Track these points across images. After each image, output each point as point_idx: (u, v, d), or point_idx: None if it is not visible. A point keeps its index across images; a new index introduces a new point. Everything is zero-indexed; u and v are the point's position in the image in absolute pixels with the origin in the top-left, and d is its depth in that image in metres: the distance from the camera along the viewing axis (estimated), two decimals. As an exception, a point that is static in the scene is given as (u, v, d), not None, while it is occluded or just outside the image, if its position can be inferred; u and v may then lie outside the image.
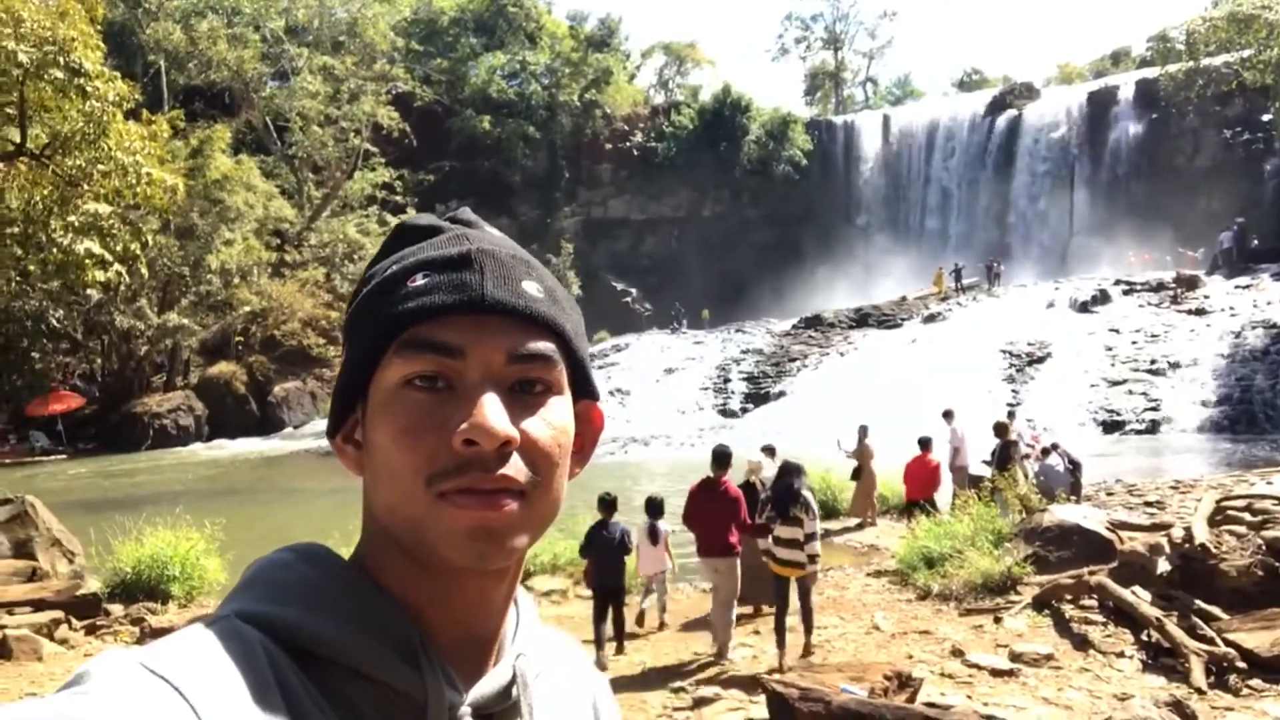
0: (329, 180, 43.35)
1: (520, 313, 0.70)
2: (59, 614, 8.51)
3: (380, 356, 0.69)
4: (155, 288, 33.20)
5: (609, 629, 7.73)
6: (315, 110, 42.05)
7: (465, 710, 0.69)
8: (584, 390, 0.77)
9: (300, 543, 0.74)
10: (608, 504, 7.94)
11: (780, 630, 7.18)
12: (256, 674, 0.60)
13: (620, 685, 6.94)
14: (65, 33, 9.15)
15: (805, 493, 7.28)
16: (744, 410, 30.26)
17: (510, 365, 0.69)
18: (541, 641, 0.82)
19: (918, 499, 11.96)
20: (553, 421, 0.71)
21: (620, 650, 7.76)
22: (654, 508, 8.48)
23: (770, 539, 7.36)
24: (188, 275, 33.10)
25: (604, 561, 7.68)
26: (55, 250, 9.11)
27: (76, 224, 9.28)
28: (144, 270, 12.68)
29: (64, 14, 9.59)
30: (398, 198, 43.58)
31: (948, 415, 13.73)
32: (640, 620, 8.74)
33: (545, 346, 0.71)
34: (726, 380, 32.79)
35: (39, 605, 8.68)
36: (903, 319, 35.36)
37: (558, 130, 52.52)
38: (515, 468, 0.67)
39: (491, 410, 0.66)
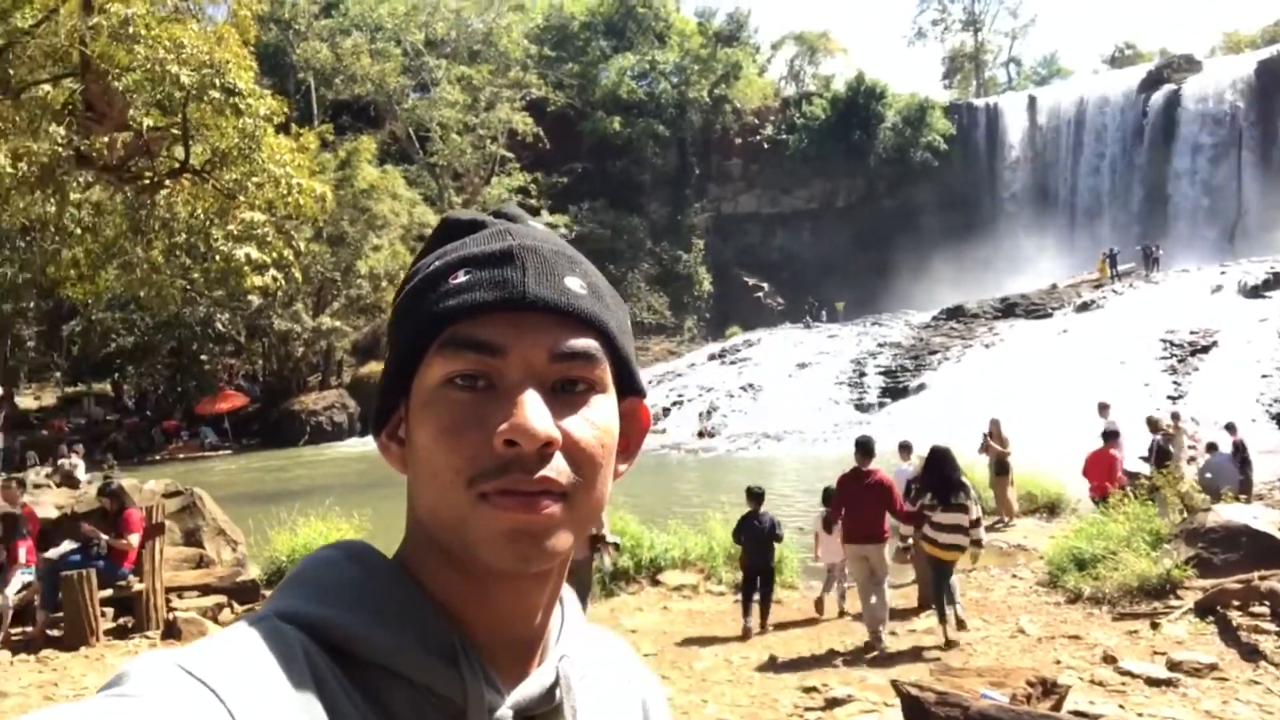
0: (468, 186, 44.82)
1: (562, 310, 0.68)
2: (223, 598, 9.11)
3: (422, 355, 0.68)
4: (310, 293, 35.15)
5: (755, 610, 8.23)
6: (454, 119, 43.54)
7: (506, 713, 0.68)
8: (629, 387, 0.75)
9: (346, 540, 0.74)
10: (757, 496, 8.41)
11: (941, 609, 7.57)
12: (295, 676, 0.59)
13: (750, 681, 6.87)
14: (221, 55, 9.80)
15: (965, 479, 7.63)
16: (880, 405, 29.50)
17: (552, 364, 0.67)
18: (588, 642, 0.80)
19: (1104, 494, 11.08)
20: (596, 421, 0.69)
21: (764, 627, 8.14)
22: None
23: (929, 526, 7.56)
24: (339, 280, 34.89)
25: (755, 548, 8.22)
26: (216, 257, 9.81)
27: (235, 232, 9.96)
28: (298, 275, 13.42)
29: (220, 38, 10.27)
30: (532, 201, 44.62)
31: (1102, 409, 12.97)
32: (819, 607, 8.79)
33: (588, 344, 0.69)
34: (862, 374, 32.05)
35: (205, 590, 9.32)
36: (1053, 308, 33.72)
37: (687, 127, 52.56)
38: (557, 469, 0.65)
39: (533, 410, 0.64)
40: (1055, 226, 49.26)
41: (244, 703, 0.55)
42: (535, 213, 43.31)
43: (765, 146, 54.03)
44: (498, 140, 44.84)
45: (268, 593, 9.76)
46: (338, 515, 10.43)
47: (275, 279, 10.67)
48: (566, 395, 0.68)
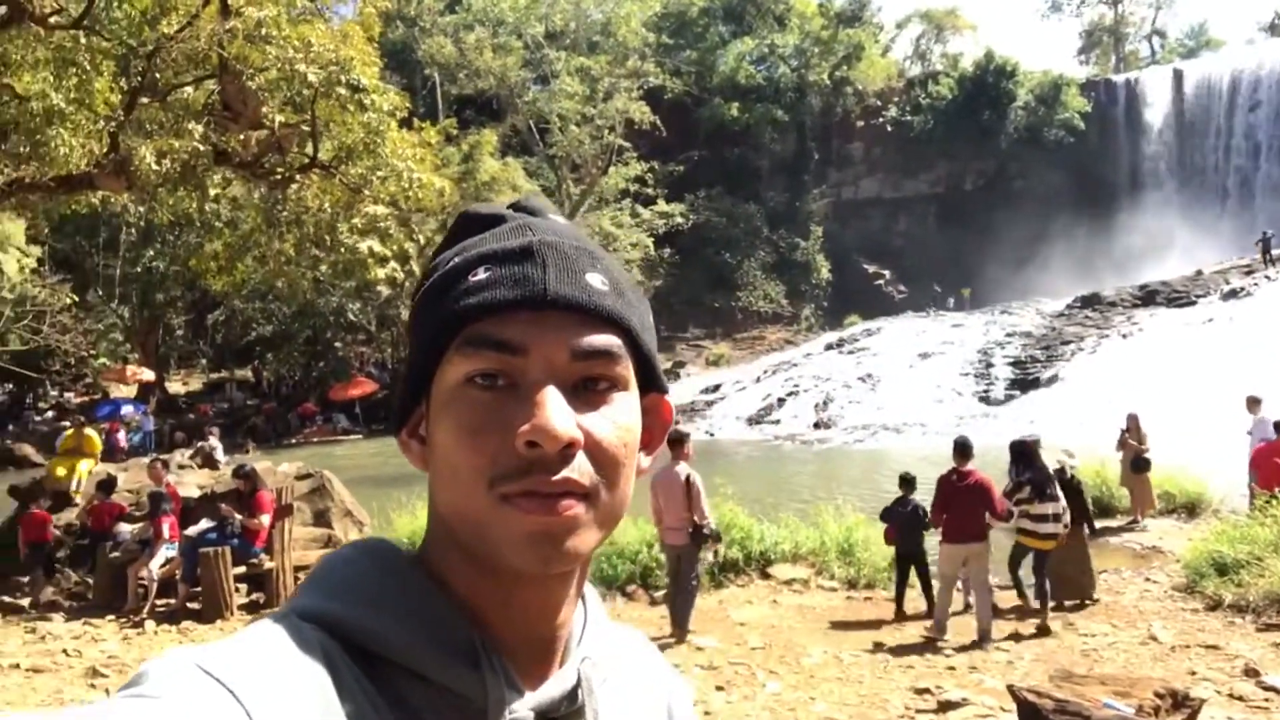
0: (586, 177, 45.27)
1: (584, 307, 0.67)
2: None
3: (442, 353, 0.68)
4: (435, 284, 36.26)
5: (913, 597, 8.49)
6: (573, 111, 44.02)
7: (527, 714, 0.67)
8: (651, 383, 0.74)
9: (368, 538, 0.74)
10: (908, 481, 8.75)
11: (1043, 594, 7.98)
12: (314, 675, 0.59)
13: (861, 680, 6.72)
14: (346, 53, 10.17)
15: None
16: (1008, 397, 28.32)
17: (574, 362, 0.66)
18: (612, 642, 0.79)
19: (1270, 488, 10.34)
20: (618, 420, 0.68)
21: (930, 610, 8.17)
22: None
23: (1028, 518, 8.06)
24: (464, 271, 35.84)
25: (905, 534, 8.48)
26: (343, 250, 10.23)
27: (359, 226, 10.36)
28: (416, 268, 13.82)
29: (346, 36, 10.65)
30: (649, 190, 44.72)
31: (1252, 404, 12.10)
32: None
33: (610, 342, 0.68)
34: (989, 365, 30.87)
35: (331, 568, 9.73)
36: (1197, 295, 31.66)
37: (806, 111, 51.65)
38: (579, 469, 0.64)
39: (554, 411, 0.63)
40: (1201, 209, 46.25)
41: (262, 703, 0.55)
42: (651, 201, 43.83)
43: (888, 129, 52.63)
44: (615, 130, 45.06)
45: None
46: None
47: (394, 270, 11.03)
48: (588, 393, 0.67)
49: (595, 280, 0.68)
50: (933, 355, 32.92)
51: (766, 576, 9.88)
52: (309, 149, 11.51)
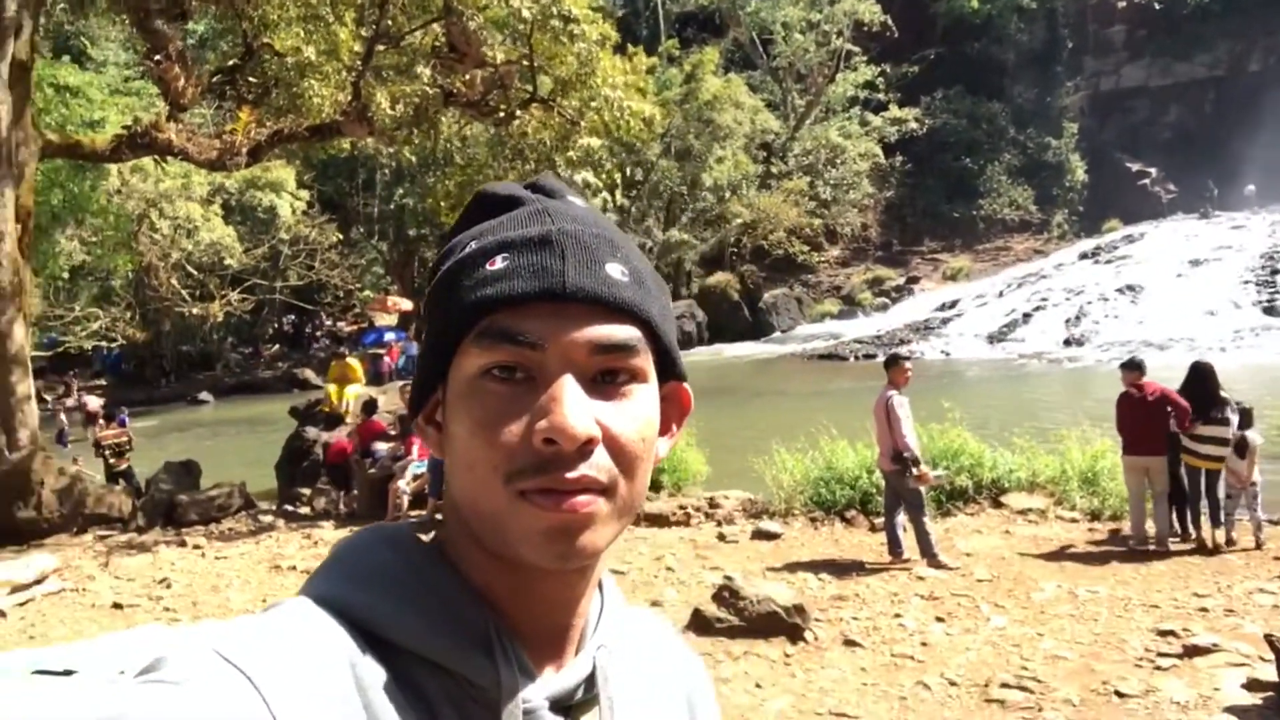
0: (811, 87, 43.71)
1: (603, 300, 0.65)
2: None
3: (459, 342, 0.67)
4: (660, 207, 36.68)
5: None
6: (797, 18, 42.42)
7: (542, 703, 0.66)
8: (670, 371, 0.73)
9: (385, 525, 0.74)
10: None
11: (1196, 516, 8.03)
12: (330, 663, 0.60)
13: (1096, 618, 6.28)
14: (558, -18, 10.31)
15: (1223, 394, 8.03)
16: (1298, 307, 25.01)
17: (592, 356, 0.65)
18: (629, 629, 0.79)
19: None
20: (637, 414, 0.66)
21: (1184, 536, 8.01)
22: (1245, 417, 8.07)
23: (1189, 438, 7.95)
24: (686, 194, 35.98)
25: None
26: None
27: (574, 158, 10.61)
28: (619, 199, 14.00)
29: (557, -36, 10.75)
30: (880, 95, 42.56)
31: None
32: (1228, 539, 7.85)
33: (629, 335, 0.66)
34: (1274, 272, 27.29)
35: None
36: None
37: (1058, -4, 46.82)
38: (597, 465, 0.63)
39: (572, 408, 0.62)
40: None
41: (278, 689, 0.56)
42: (883, 107, 41.69)
43: (1155, 7, 46.64)
44: (843, 34, 42.98)
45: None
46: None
47: (605, 201, 11.23)
48: (607, 386, 0.66)
49: (615, 271, 0.67)
50: (1206, 262, 29.60)
51: (999, 505, 9.40)
52: (529, 85, 11.85)
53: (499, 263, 0.66)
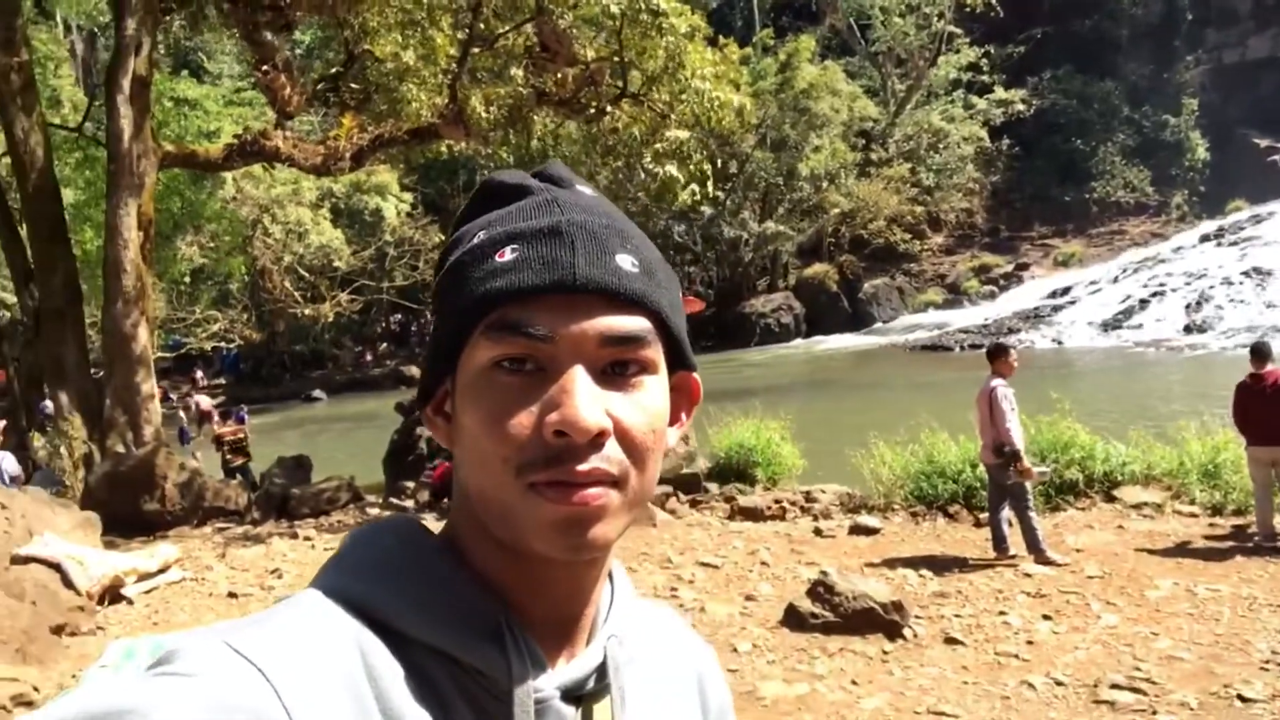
0: (912, 71, 42.61)
1: (613, 292, 0.65)
2: (668, 489, 10.01)
3: (468, 334, 0.66)
4: (756, 199, 36.36)
5: None
6: (896, 1, 41.42)
7: (552, 693, 0.67)
8: (680, 361, 0.72)
9: (395, 516, 0.74)
10: None
11: None
12: (341, 655, 0.60)
13: (1218, 617, 5.94)
14: (646, -23, 10.30)
15: None
16: None
17: (603, 347, 0.65)
18: (639, 619, 0.79)
19: None
20: (647, 406, 0.66)
21: None
22: None
23: None
24: (782, 184, 35.57)
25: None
26: (646, 176, 10.58)
27: (662, 151, 10.61)
28: (711, 191, 13.92)
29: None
30: (984, 77, 41.17)
31: None
32: None
33: (640, 327, 0.66)
34: None
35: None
36: None
37: (1176, -36, 44.43)
38: (608, 458, 0.63)
39: (583, 400, 0.62)
40: None
41: (290, 682, 0.56)
42: (988, 89, 40.30)
43: (1285, -28, 43.83)
44: (944, 16, 41.74)
45: (710, 485, 10.59)
46: (763, 414, 10.87)
47: (692, 193, 11.21)
48: (617, 378, 0.66)
49: (625, 262, 0.66)
50: (1342, 242, 27.62)
51: (1111, 500, 8.98)
52: (619, 81, 11.89)
53: (508, 254, 0.65)
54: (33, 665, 5.32)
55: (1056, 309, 31.68)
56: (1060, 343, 27.43)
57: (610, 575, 0.76)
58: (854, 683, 5.20)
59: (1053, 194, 42.57)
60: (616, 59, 11.62)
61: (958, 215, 41.94)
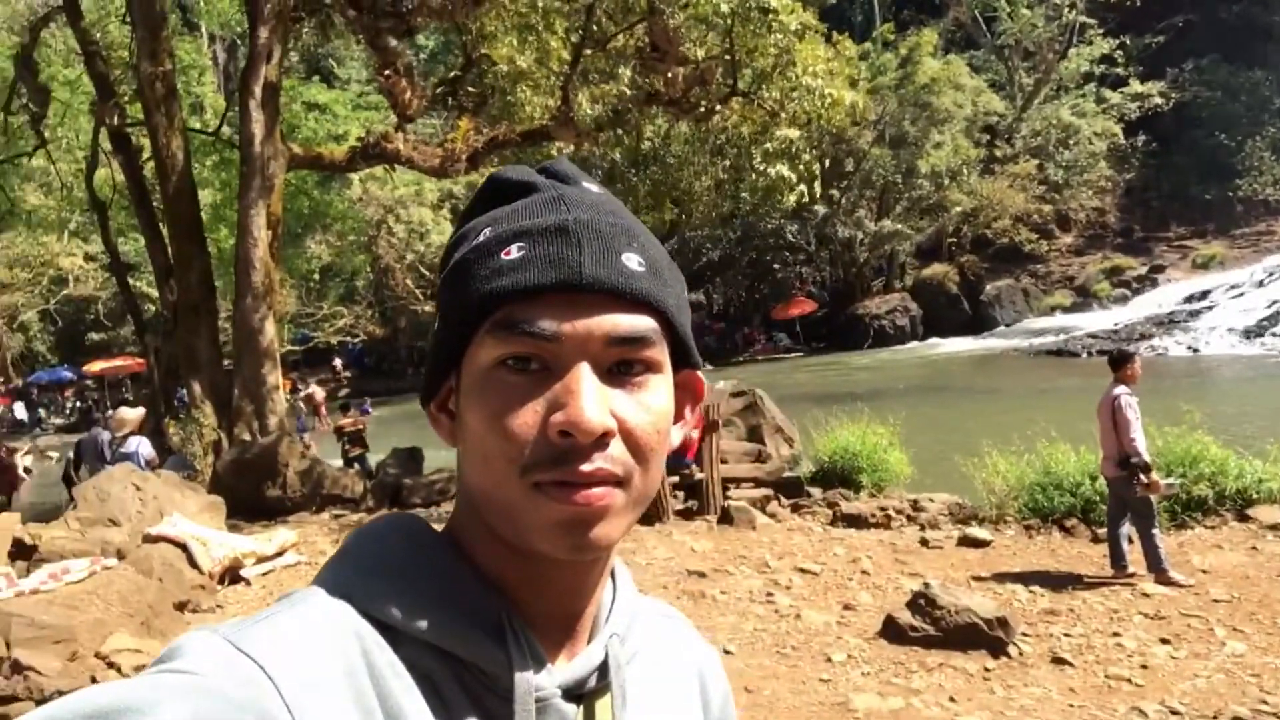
0: (1040, 64, 40.91)
1: (619, 291, 0.65)
2: (769, 491, 9.90)
3: (473, 331, 0.67)
4: (872, 197, 35.58)
5: None
6: (1025, -8, 39.87)
7: (554, 691, 0.67)
8: (685, 360, 0.73)
9: (398, 514, 0.75)
10: None
11: None
12: (343, 653, 0.61)
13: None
14: (756, -26, 10.22)
15: None
16: None
17: (609, 347, 0.65)
18: (641, 617, 0.79)
19: None
20: (652, 406, 0.66)
21: None
22: None
23: None
24: (900, 183, 34.69)
25: None
26: (754, 175, 10.52)
27: (770, 150, 10.50)
28: (819, 189, 13.67)
29: (756, -43, 10.67)
30: (1118, 69, 39.16)
31: None
32: None
33: (646, 326, 0.66)
34: None
35: (757, 482, 10.22)
36: None
37: (1340, -58, 41.21)
38: (612, 458, 0.63)
39: (588, 400, 0.62)
40: None
41: (291, 679, 0.57)
42: (1121, 83, 38.37)
43: None
44: (1076, 6, 39.93)
45: (813, 490, 10.42)
46: (870, 419, 10.61)
47: (801, 195, 11.05)
48: (622, 377, 0.66)
49: (631, 261, 0.66)
50: None
51: (1245, 519, 8.40)
52: (729, 79, 11.83)
53: (514, 252, 0.65)
54: (156, 639, 5.66)
55: (1194, 314, 29.88)
56: (1196, 350, 25.87)
57: (613, 574, 0.76)
58: (952, 699, 5.03)
59: (1192, 192, 40.12)
60: (727, 57, 11.57)
61: (1088, 214, 40.01)
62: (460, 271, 0.68)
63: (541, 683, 0.66)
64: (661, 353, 0.67)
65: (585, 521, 0.63)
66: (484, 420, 0.64)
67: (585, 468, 0.62)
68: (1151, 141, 39.78)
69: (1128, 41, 39.80)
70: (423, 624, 0.64)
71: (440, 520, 0.75)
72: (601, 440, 0.62)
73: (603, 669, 0.70)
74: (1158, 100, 38.57)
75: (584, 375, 0.63)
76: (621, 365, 0.65)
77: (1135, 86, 38.72)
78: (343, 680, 0.59)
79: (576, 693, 0.68)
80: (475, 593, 0.67)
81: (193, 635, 0.60)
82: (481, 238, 0.68)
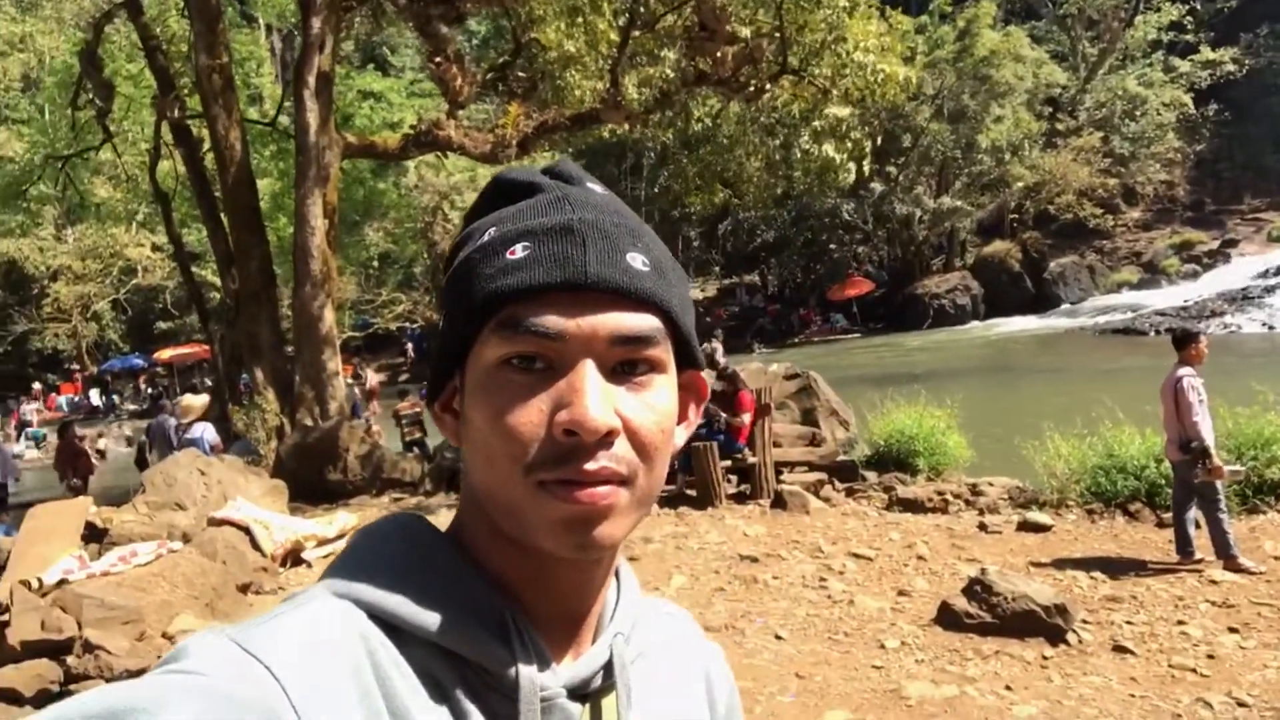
0: (1105, 33, 39.59)
1: (624, 291, 0.65)
2: (823, 476, 9.80)
3: (478, 330, 0.67)
4: (931, 174, 34.91)
5: None
6: (1088, -42, 38.59)
7: (559, 691, 0.67)
8: (688, 360, 0.73)
9: (402, 513, 0.75)
10: None
11: None
12: (349, 654, 0.61)
13: None
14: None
15: None
16: None
17: (613, 347, 0.65)
18: (645, 616, 0.79)
19: None
20: (656, 406, 0.67)
21: None
22: None
23: None
24: (960, 158, 33.96)
25: None
26: (801, 155, 10.37)
27: (820, 129, 10.32)
28: (869, 167, 13.42)
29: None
30: (1187, 36, 37.73)
31: None
32: None
33: (650, 326, 0.66)
34: None
35: (811, 466, 10.13)
36: None
37: None
38: (617, 457, 0.64)
39: (593, 400, 0.63)
40: None
41: (297, 680, 0.58)
42: (1191, 50, 36.99)
43: None
44: (1144, -28, 38.56)
45: (868, 474, 10.29)
46: (928, 401, 10.42)
47: (849, 174, 10.86)
48: (627, 377, 0.66)
49: (636, 261, 0.67)
50: None
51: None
52: (780, 57, 11.67)
53: (519, 251, 0.66)
54: (220, 620, 5.82)
55: (1269, 290, 28.83)
56: (1272, 327, 24.97)
57: (617, 573, 0.77)
58: (1008, 688, 4.93)
59: (1267, 162, 38.58)
60: (776, 34, 11.41)
61: (1156, 188, 38.71)
62: (465, 271, 0.68)
63: (546, 682, 0.66)
64: (665, 352, 0.68)
65: (589, 520, 0.63)
66: (488, 419, 0.65)
67: (590, 466, 0.62)
68: (1223, 110, 38.28)
69: (1198, 6, 38.34)
70: (428, 624, 0.64)
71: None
72: (606, 439, 0.63)
73: (608, 668, 0.71)
74: (1230, 67, 37.11)
75: (589, 374, 0.63)
76: (626, 365, 0.66)
77: (1206, 53, 37.29)
78: (348, 680, 0.59)
79: (581, 692, 0.69)
80: (480, 592, 0.67)
81: (198, 636, 0.60)
82: (486, 237, 0.68)
